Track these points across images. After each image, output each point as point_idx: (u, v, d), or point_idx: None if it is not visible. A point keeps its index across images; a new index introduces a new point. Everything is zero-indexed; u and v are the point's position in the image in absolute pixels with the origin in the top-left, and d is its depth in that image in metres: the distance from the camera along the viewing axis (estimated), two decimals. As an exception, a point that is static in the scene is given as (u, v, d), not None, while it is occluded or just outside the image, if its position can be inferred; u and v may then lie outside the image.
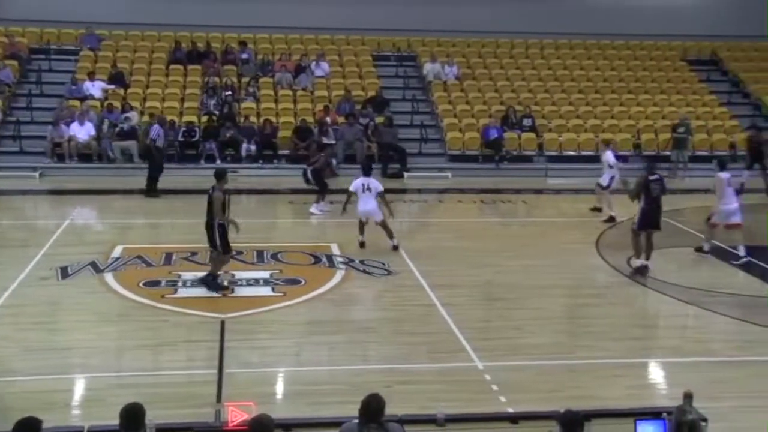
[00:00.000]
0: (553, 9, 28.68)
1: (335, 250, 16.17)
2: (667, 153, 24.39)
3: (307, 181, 19.48)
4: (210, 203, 13.33)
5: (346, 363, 11.09)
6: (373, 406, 6.67)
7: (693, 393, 7.41)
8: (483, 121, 25.37)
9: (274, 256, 15.58)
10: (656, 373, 11.47)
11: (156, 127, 21.43)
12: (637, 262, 15.07)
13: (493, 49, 28.98)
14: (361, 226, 16.25)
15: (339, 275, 14.70)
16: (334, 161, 22.29)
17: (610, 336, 12.17)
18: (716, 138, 25.50)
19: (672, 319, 13.38)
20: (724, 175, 15.97)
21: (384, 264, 15.27)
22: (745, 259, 15.64)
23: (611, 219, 18.39)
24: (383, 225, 16.10)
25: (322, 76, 26.95)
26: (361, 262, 15.34)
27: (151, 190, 20.77)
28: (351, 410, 6.93)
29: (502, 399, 9.88)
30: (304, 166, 19.82)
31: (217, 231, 13.32)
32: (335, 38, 28.72)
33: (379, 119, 24.77)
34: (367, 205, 16.02)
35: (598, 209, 19.25)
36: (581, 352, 11.55)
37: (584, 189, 21.29)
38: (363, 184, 16.07)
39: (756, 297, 14.01)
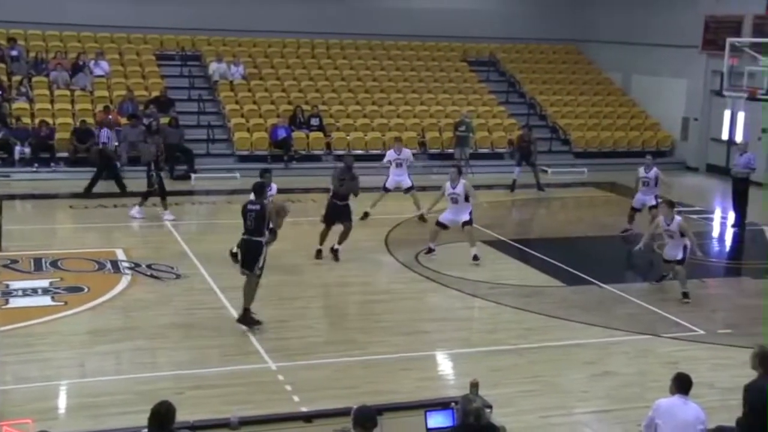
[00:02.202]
0: (338, 10, 28.97)
1: (121, 255, 15.63)
2: (451, 151, 25.21)
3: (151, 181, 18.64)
4: (259, 219, 11.99)
5: (134, 371, 10.73)
6: (162, 414, 6.50)
7: (479, 381, 7.68)
8: (271, 120, 25.28)
9: (54, 264, 14.84)
10: (445, 365, 11.83)
11: (105, 131, 21.23)
12: (338, 247, 15.83)
13: (280, 49, 28.93)
14: None
15: (125, 281, 14.21)
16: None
17: (401, 331, 12.43)
18: (496, 136, 26.61)
19: (459, 311, 13.82)
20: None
21: (173, 268, 14.91)
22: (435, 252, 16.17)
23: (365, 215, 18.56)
24: None
25: (101, 76, 25.92)
26: (149, 266, 14.91)
27: (122, 189, 20.82)
28: (140, 420, 6.72)
29: (296, 398, 9.89)
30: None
31: (264, 250, 12.12)
32: (115, 36, 27.70)
33: (164, 119, 24.14)
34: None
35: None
36: (373, 348, 11.73)
37: (373, 187, 21.63)
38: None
39: (534, 287, 14.74)
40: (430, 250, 16.17)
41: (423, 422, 7.30)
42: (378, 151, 25.00)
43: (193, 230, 18.31)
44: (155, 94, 25.37)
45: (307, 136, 25.06)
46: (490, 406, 7.59)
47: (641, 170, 18.21)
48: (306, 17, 28.58)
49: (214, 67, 26.82)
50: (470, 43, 30.75)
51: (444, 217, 16.02)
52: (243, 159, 24.55)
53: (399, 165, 19.36)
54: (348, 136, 25.43)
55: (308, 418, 7.73)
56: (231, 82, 26.74)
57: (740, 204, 19.47)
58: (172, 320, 12.61)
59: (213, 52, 27.51)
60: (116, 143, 22.56)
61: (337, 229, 15.90)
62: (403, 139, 25.39)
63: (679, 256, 14.02)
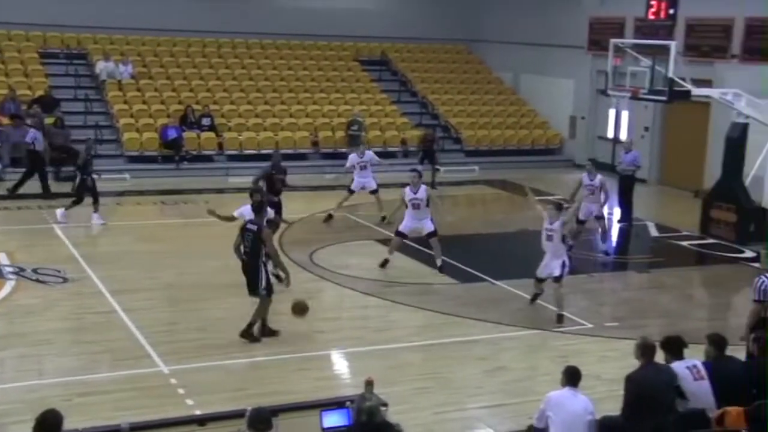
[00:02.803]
0: (229, 9, 28.63)
1: (3, 259, 15.11)
2: (344, 150, 25.21)
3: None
4: (257, 240, 11.63)
5: (18, 380, 10.37)
6: (48, 423, 6.32)
7: (373, 380, 7.71)
8: (161, 120, 24.83)
9: (-71, 271, 14.27)
10: (341, 364, 11.84)
11: (32, 132, 20.76)
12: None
13: (169, 48, 28.42)
14: None
15: (8, 286, 13.75)
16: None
17: (296, 330, 12.35)
18: (389, 135, 26.76)
19: (354, 310, 13.86)
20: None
21: (59, 271, 14.50)
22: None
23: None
24: None
25: (-19, 74, 25.01)
26: (34, 270, 14.46)
27: (46, 191, 20.25)
28: (26, 430, 6.51)
29: (189, 402, 9.76)
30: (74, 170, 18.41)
31: (264, 271, 11.76)
32: (-6, 33, 26.79)
33: (49, 120, 23.42)
34: None
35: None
36: (268, 349, 11.66)
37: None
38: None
39: (427, 285, 14.88)
40: (386, 262, 15.50)
41: (318, 422, 7.29)
42: (270, 151, 24.86)
43: (81, 233, 17.81)
44: (39, 93, 24.61)
45: (199, 137, 24.72)
46: (386, 404, 7.64)
47: (585, 177, 16.84)
48: (196, 16, 28.14)
49: (101, 66, 26.17)
50: (362, 43, 30.84)
51: (404, 226, 15.36)
52: (132, 160, 24.04)
53: (363, 167, 19.14)
54: (240, 135, 25.18)
55: (202, 421, 7.63)
56: (119, 81, 26.13)
57: (626, 200, 20.03)
58: (59, 325, 12.28)
59: (100, 51, 26.83)
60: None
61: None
62: (297, 139, 25.41)
63: (556, 272, 12.94)
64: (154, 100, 25.81)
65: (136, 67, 26.73)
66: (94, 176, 18.26)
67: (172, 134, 24.24)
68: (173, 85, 26.67)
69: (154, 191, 21.73)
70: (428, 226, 15.38)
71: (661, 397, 8.05)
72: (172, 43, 28.54)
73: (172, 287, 14.20)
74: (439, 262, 15.45)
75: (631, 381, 8.18)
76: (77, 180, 18.07)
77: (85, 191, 18.03)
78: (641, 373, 8.19)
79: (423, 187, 15.46)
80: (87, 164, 18.10)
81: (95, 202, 18.09)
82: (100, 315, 12.68)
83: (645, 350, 8.25)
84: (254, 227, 11.80)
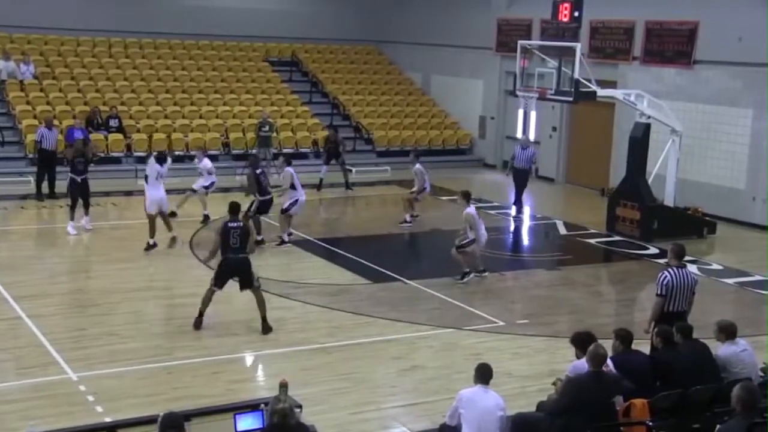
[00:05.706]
0: (136, 8, 28.17)
1: None
2: (254, 151, 25.02)
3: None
4: (244, 235, 12.32)
5: None
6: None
7: (287, 382, 7.70)
8: (66, 122, 24.24)
9: None
10: (255, 367, 11.77)
11: (42, 130, 20.91)
12: (259, 237, 15.97)
13: (74, 48, 27.78)
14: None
15: None
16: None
17: (208, 334, 12.26)
18: (300, 135, 26.68)
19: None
20: (291, 169, 17.11)
21: (-40, 278, 14.05)
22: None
23: (206, 219, 18.43)
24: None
25: None
26: (-66, 277, 13.99)
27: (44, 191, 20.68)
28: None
29: (99, 409, 9.58)
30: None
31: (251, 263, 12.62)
32: None
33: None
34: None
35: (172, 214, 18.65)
36: (180, 353, 11.51)
37: (176, 189, 21.17)
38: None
39: (340, 285, 14.88)
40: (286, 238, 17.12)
41: (232, 425, 7.24)
42: (180, 152, 24.57)
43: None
44: (-64, 93, 23.82)
45: (106, 138, 24.24)
46: (300, 406, 7.63)
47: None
48: (101, 15, 27.62)
49: (1, 65, 25.44)
50: (272, 43, 30.71)
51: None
52: (36, 162, 23.40)
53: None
54: (149, 137, 24.76)
55: (112, 428, 7.51)
56: (21, 81, 25.46)
57: (520, 195, 20.75)
58: (-38, 334, 11.90)
59: (-1, 50, 26.12)
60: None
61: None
62: (207, 140, 25.13)
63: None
64: (59, 101, 25.21)
65: (38, 67, 26.07)
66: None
67: (78, 136, 23.66)
68: (78, 86, 26.09)
69: (59, 194, 21.19)
70: (284, 204, 17.10)
71: (595, 406, 7.95)
72: (76, 43, 27.91)
73: (80, 292, 13.91)
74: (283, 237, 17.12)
75: (571, 384, 8.13)
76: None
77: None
78: (585, 379, 8.07)
79: (284, 172, 17.15)
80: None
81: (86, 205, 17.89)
82: (3, 322, 12.33)
83: (593, 358, 8.08)
84: (239, 223, 12.46)
